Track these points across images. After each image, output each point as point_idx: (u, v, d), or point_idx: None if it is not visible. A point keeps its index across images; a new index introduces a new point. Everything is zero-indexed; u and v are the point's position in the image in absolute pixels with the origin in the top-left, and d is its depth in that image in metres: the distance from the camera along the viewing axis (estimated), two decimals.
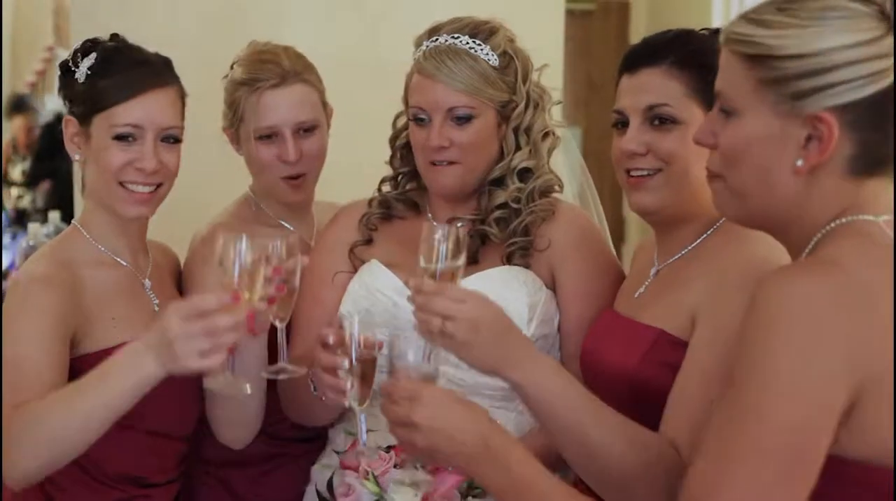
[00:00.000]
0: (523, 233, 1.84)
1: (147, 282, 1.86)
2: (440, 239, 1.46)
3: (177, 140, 1.81)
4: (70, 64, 1.79)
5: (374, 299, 1.84)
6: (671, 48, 1.65)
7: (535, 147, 1.87)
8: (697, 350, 1.51)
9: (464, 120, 1.80)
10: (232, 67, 2.05)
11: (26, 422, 1.54)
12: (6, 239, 4.46)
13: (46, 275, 1.70)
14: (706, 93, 1.60)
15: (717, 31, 1.71)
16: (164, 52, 1.88)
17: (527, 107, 1.86)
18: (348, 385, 1.54)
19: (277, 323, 1.62)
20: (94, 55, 1.78)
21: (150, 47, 1.87)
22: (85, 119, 1.77)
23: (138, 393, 1.51)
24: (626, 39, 7.03)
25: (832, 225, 1.20)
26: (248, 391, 1.61)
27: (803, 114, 1.17)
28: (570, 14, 3.73)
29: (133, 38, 1.88)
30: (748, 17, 1.21)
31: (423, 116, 1.82)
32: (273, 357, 1.70)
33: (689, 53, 1.64)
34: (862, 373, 1.10)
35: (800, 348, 1.09)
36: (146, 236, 1.90)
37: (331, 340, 1.57)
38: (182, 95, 1.83)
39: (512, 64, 1.85)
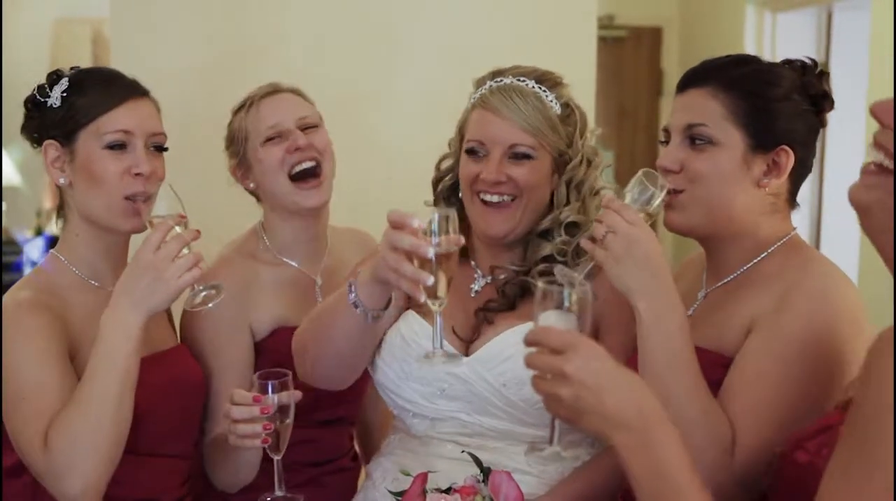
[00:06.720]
0: None
1: None
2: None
3: (163, 148, 1.82)
4: (38, 97, 1.79)
5: (410, 349, 1.80)
6: (721, 70, 1.66)
7: (583, 203, 1.85)
8: (753, 350, 1.54)
9: (522, 157, 1.79)
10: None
11: (63, 431, 1.57)
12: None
13: (30, 300, 1.70)
14: (749, 118, 1.61)
15: (789, 63, 1.68)
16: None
17: (580, 162, 1.84)
18: (429, 280, 1.45)
19: (274, 457, 1.70)
20: (64, 81, 1.79)
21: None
22: (68, 138, 1.77)
23: (134, 349, 1.64)
24: (658, 66, 7.03)
25: None
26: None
27: None
28: (602, 41, 3.74)
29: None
30: None
31: (480, 151, 1.81)
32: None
33: (738, 77, 1.64)
34: None
35: None
36: (128, 259, 1.88)
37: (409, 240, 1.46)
38: (158, 108, 1.85)
39: (572, 116, 1.85)
